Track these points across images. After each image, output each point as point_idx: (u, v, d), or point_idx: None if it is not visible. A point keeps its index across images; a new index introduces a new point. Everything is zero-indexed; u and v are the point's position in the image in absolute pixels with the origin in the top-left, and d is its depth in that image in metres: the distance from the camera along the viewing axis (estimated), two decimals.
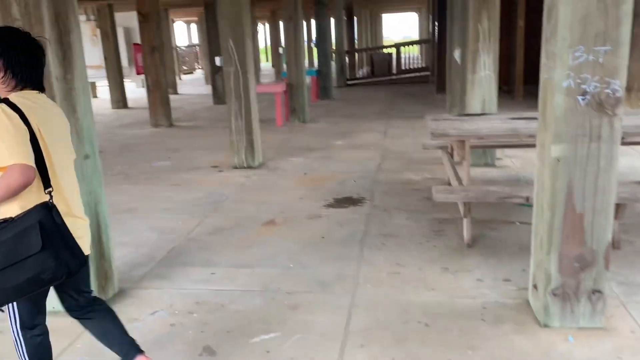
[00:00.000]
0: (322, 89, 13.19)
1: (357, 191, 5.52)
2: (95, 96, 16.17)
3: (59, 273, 1.93)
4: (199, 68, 25.15)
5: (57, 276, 1.94)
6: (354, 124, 9.48)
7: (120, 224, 4.81)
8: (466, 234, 4.04)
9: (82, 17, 14.46)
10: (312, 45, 19.27)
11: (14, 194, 1.87)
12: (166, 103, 10.22)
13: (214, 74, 13.02)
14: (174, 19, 24.98)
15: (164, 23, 17.04)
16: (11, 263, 1.88)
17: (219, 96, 12.64)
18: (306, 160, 7.01)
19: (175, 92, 16.35)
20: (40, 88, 2.07)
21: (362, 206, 5.07)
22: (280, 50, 18.72)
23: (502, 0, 5.98)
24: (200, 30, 22.53)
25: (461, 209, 4.17)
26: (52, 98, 2.88)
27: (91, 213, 3.19)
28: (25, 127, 1.89)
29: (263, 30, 34.44)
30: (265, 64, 29.57)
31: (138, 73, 13.64)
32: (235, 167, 6.64)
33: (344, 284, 3.52)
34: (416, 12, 33.94)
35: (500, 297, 3.25)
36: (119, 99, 13.51)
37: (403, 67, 18.43)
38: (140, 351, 2.37)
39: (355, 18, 20.73)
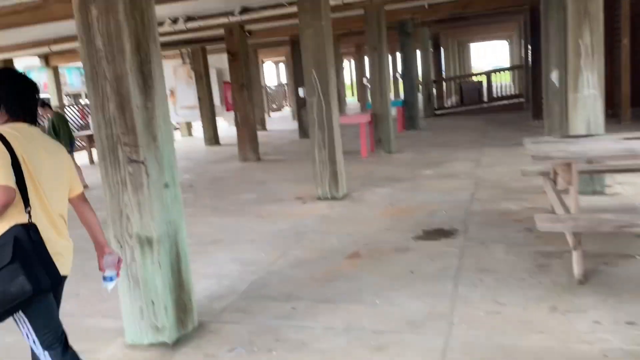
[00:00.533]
0: (409, 119, 12.89)
1: (449, 222, 5.13)
2: (190, 134, 16.98)
3: (27, 287, 1.99)
4: (287, 106, 25.81)
5: (26, 289, 2.00)
6: (443, 153, 9.06)
7: (204, 256, 4.78)
8: (577, 268, 3.54)
9: (179, 61, 15.35)
10: (398, 76, 19.10)
11: (1, 209, 2.04)
12: (254, 138, 10.40)
13: (300, 109, 13.17)
14: (264, 59, 25.96)
15: (253, 63, 17.68)
16: None
17: (304, 130, 12.72)
18: (392, 190, 6.72)
19: (264, 129, 16.76)
20: (32, 121, 2.27)
21: (454, 238, 4.68)
22: (365, 80, 18.72)
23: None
24: (287, 68, 23.19)
25: (570, 240, 3.68)
26: (133, 127, 2.88)
27: (170, 243, 3.12)
28: (7, 152, 2.06)
29: (349, 66, 34.95)
30: (351, 99, 29.79)
31: (228, 110, 14.13)
32: (319, 199, 6.48)
33: (437, 324, 3.16)
34: (506, 40, 32.89)
35: (624, 344, 2.75)
36: (212, 137, 14.03)
37: (494, 95, 17.71)
38: None
39: (442, 48, 20.37)
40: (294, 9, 6.32)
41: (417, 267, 4.08)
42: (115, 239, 3.06)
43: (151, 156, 2.97)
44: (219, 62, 14.50)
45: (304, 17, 6.11)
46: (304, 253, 4.63)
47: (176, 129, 17.03)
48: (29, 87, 2.27)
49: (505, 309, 3.28)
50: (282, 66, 30.49)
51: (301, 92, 9.86)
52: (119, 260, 2.50)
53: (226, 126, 17.19)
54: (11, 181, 2.05)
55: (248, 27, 11.62)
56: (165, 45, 13.76)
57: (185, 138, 16.62)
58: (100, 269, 2.49)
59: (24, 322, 2.14)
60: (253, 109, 10.57)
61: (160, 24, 9.71)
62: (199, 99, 14.02)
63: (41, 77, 15.88)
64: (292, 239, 5.06)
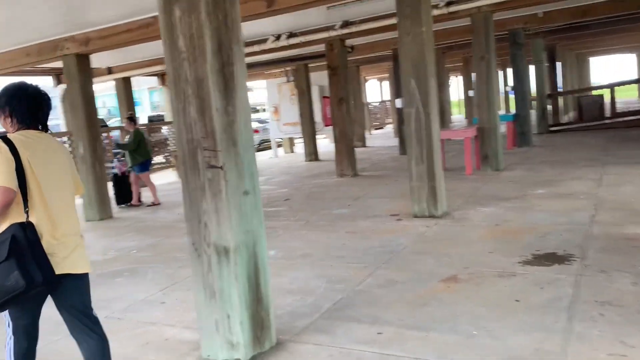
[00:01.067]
0: (520, 135, 12.00)
1: (563, 246, 4.53)
2: (292, 151, 17.24)
3: (21, 282, 2.18)
4: (389, 123, 25.47)
5: (20, 284, 2.19)
6: (558, 172, 8.24)
7: (292, 270, 4.60)
8: None
9: (283, 79, 15.69)
10: (507, 90, 18.01)
11: (2, 209, 2.25)
12: (351, 153, 10.21)
13: (401, 125, 12.79)
14: (367, 77, 25.91)
15: (354, 79, 17.63)
16: None
17: (405, 146, 12.32)
18: (498, 210, 6.15)
19: (364, 145, 16.57)
20: (43, 129, 2.49)
21: (569, 265, 4.09)
22: (471, 93, 17.88)
23: None
24: (390, 85, 22.91)
25: None
26: (212, 131, 2.77)
27: (248, 253, 2.96)
28: (12, 158, 2.27)
29: (455, 83, 33.90)
30: (457, 116, 28.80)
31: (326, 125, 14.12)
32: (416, 216, 6.09)
33: None
34: (634, 51, 30.10)
35: None
36: (312, 152, 14.08)
37: (618, 111, 16.09)
38: None
39: (559, 62, 18.99)
40: (395, 20, 6.05)
41: (524, 296, 3.58)
42: (193, 247, 2.96)
43: (230, 162, 2.84)
44: (320, 79, 14.59)
45: (404, 24, 5.83)
46: (395, 273, 4.29)
47: (279, 145, 17.37)
48: (40, 99, 2.50)
49: (634, 352, 2.71)
50: (385, 84, 30.29)
51: (398, 102, 9.53)
52: None
53: (327, 143, 17.25)
54: (12, 183, 2.27)
55: (350, 42, 11.56)
56: (271, 64, 14.14)
57: (288, 154, 16.88)
58: None
59: (10, 309, 2.37)
60: (351, 124, 10.40)
61: (264, 41, 9.92)
62: (300, 115, 14.16)
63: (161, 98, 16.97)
64: (384, 257, 4.74)
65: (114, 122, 18.09)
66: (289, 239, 5.74)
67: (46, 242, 2.33)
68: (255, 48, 10.05)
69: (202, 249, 2.94)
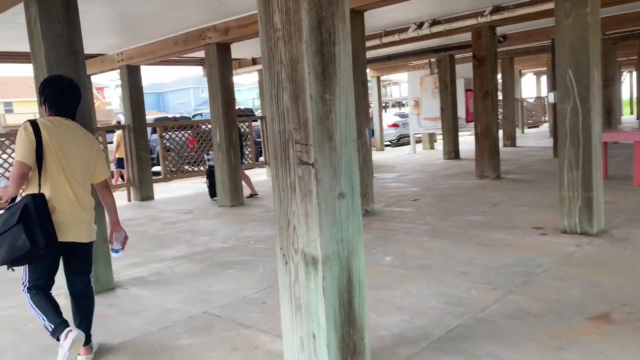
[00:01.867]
0: None
1: None
2: (432, 147, 16.42)
3: (27, 244, 2.61)
4: (546, 121, 23.21)
5: (26, 245, 2.61)
6: None
7: (405, 282, 4.09)
8: None
9: (426, 71, 14.93)
10: None
11: (15, 181, 2.73)
12: (495, 153, 9.24)
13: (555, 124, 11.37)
14: (522, 70, 23.87)
15: (507, 71, 16.20)
16: (5, 229, 2.66)
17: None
18: None
19: (513, 144, 15.17)
20: (68, 116, 2.93)
21: None
22: None
23: None
24: (547, 78, 20.78)
25: None
26: (305, 121, 2.38)
27: (340, 266, 2.53)
28: (33, 138, 2.73)
29: (628, 80, 29.92)
30: (628, 117, 25.37)
31: (468, 121, 13.11)
32: (564, 232, 5.15)
33: None
34: None
35: None
36: (451, 150, 13.20)
37: None
38: (88, 343, 3.00)
39: None
40: (553, 5, 5.14)
41: None
42: (280, 252, 2.61)
43: (324, 158, 2.42)
44: (467, 72, 13.59)
45: (562, 5, 4.91)
46: (529, 301, 3.56)
47: (418, 141, 16.65)
48: (71, 90, 2.93)
49: None
50: (543, 79, 27.71)
51: (551, 97, 8.35)
52: (125, 238, 3.30)
53: (470, 140, 16.13)
54: (28, 159, 2.72)
55: (501, 30, 10.50)
56: (412, 55, 13.48)
57: (426, 151, 16.10)
58: (110, 242, 3.32)
59: (26, 266, 2.84)
60: (496, 121, 9.41)
61: (404, 29, 9.36)
62: (442, 110, 13.33)
63: None
64: (518, 279, 4.00)
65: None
66: (409, 245, 5.20)
67: (56, 213, 2.77)
68: (395, 37, 9.53)
69: (290, 255, 2.57)
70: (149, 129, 10.72)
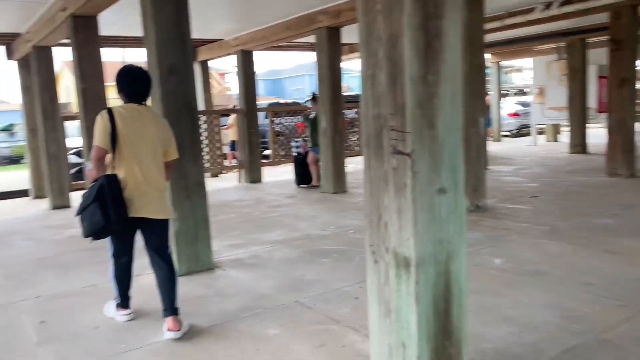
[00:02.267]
0: None
1: None
2: (555, 139, 15.13)
3: (102, 219, 2.95)
4: None
5: (100, 220, 2.96)
6: None
7: (516, 290, 3.67)
8: None
9: (554, 56, 13.69)
10: None
11: (94, 163, 3.04)
12: (629, 148, 8.19)
13: None
14: None
15: None
16: (84, 207, 3.02)
17: None
18: None
19: None
20: (139, 101, 3.21)
21: None
22: None
23: None
24: None
25: None
26: (402, 105, 2.12)
27: (437, 270, 2.24)
28: (108, 124, 3.03)
29: None
30: None
31: (600, 111, 11.81)
32: None
33: None
34: None
35: None
36: (578, 143, 12.01)
37: None
38: (172, 314, 3.19)
39: None
40: None
41: None
42: (370, 249, 2.38)
43: (423, 148, 2.14)
44: (601, 57, 12.25)
45: None
46: None
47: (540, 132, 15.40)
48: (141, 78, 3.21)
49: None
50: None
51: None
52: None
53: (600, 133, 14.61)
54: (104, 143, 3.03)
55: None
56: (538, 38, 12.39)
57: (549, 143, 14.85)
58: None
59: (110, 238, 3.26)
60: (633, 112, 8.32)
61: (530, 10, 8.55)
62: (570, 99, 12.15)
63: None
64: None
65: None
66: (523, 247, 4.71)
67: (129, 192, 3.07)
68: (519, 19, 8.75)
69: (380, 253, 2.33)
70: (261, 114, 10.93)
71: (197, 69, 11.94)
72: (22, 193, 10.25)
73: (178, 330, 3.15)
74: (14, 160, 20.85)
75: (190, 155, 4.42)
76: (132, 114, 3.15)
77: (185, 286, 4.06)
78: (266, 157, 11.80)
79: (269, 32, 9.13)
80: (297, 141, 9.54)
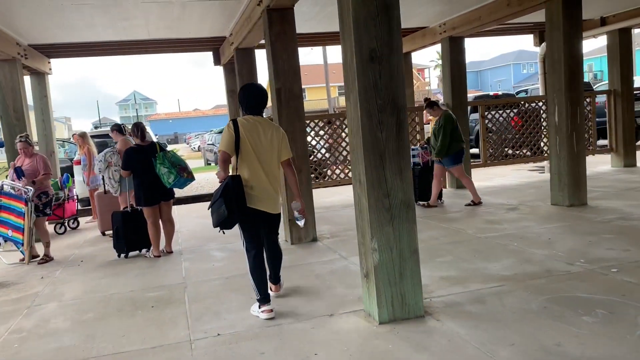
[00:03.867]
0: None
1: None
2: None
3: (225, 212, 3.53)
4: None
5: (225, 213, 3.54)
6: None
7: None
8: None
9: None
10: None
11: (220, 165, 3.70)
12: None
13: None
14: None
15: None
16: (213, 202, 3.64)
17: None
18: None
19: None
20: (256, 113, 3.83)
21: None
22: None
23: None
24: None
25: None
26: None
27: None
28: (234, 134, 3.67)
29: None
30: None
31: None
32: None
33: None
34: None
35: None
36: None
37: None
38: (276, 282, 4.14)
39: None
40: None
41: None
42: None
43: None
44: None
45: None
46: None
47: None
48: (256, 93, 3.83)
49: None
50: None
51: None
52: (302, 206, 3.89)
53: None
54: (229, 149, 3.67)
55: None
56: None
57: None
58: (291, 211, 4.42)
59: (240, 232, 3.80)
60: None
61: None
62: None
63: None
64: None
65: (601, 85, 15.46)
66: None
67: (252, 189, 3.66)
68: None
69: None
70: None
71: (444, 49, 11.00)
72: None
73: (279, 290, 4.17)
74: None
75: (394, 166, 3.37)
76: (252, 124, 3.73)
77: (387, 342, 3.04)
78: (475, 156, 10.34)
79: (485, 11, 7.70)
80: (414, 149, 7.84)
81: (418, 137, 9.55)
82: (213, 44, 9.50)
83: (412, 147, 7.96)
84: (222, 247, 6.12)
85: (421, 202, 7.61)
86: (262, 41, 7.49)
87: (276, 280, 4.12)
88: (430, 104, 7.46)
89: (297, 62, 5.83)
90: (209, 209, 3.67)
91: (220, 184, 3.64)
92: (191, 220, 8.17)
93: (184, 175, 5.84)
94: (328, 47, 28.76)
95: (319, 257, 5.34)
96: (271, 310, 3.67)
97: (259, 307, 3.71)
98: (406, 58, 11.00)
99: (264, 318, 3.65)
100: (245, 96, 3.81)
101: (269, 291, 3.88)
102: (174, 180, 5.70)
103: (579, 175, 6.69)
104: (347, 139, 8.30)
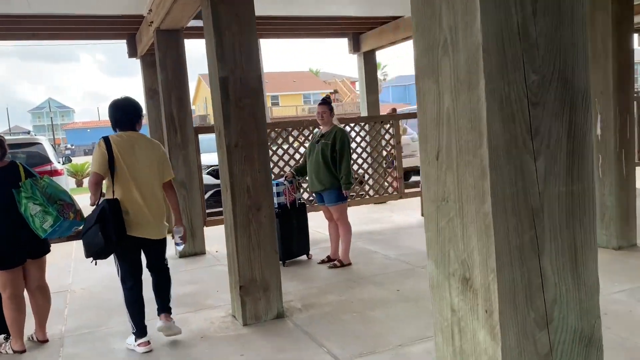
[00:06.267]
0: None
1: None
2: None
3: (101, 240, 3.21)
4: None
5: (101, 242, 3.22)
6: None
7: None
8: None
9: None
10: None
11: (91, 188, 3.38)
12: None
13: None
14: None
15: None
16: (87, 229, 3.32)
17: None
18: None
19: None
20: (132, 129, 3.47)
21: None
22: None
23: None
24: None
25: None
26: None
27: None
28: (105, 151, 3.31)
29: None
30: None
31: None
32: None
33: None
34: None
35: None
36: None
37: None
38: (164, 312, 3.60)
39: None
40: None
41: None
42: None
43: None
44: None
45: None
46: None
47: None
48: (130, 108, 3.48)
49: None
50: None
51: None
52: (184, 232, 3.69)
53: None
54: (100, 170, 3.31)
55: None
56: None
57: None
58: (172, 237, 3.75)
59: (116, 260, 3.47)
60: None
61: None
62: None
63: None
64: None
65: None
66: None
67: (125, 214, 3.31)
68: None
69: None
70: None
71: (360, 62, 9.16)
72: None
73: (169, 320, 3.59)
74: None
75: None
76: (126, 141, 3.39)
77: None
78: None
79: None
80: (279, 183, 5.29)
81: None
82: (127, 29, 7.16)
83: (276, 180, 5.41)
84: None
85: (288, 260, 5.36)
86: (197, 22, 5.32)
87: (166, 309, 3.64)
88: (329, 102, 5.07)
89: (254, 38, 3.72)
90: (80, 238, 3.37)
91: (93, 208, 3.34)
92: (89, 268, 5.74)
93: (69, 216, 3.53)
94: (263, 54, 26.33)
95: (292, 355, 3.23)
96: (148, 343, 3.46)
97: (135, 341, 3.47)
98: (370, 59, 9.17)
99: (141, 352, 3.43)
100: (113, 110, 3.47)
101: (160, 321, 3.58)
102: (52, 225, 3.41)
103: (628, 207, 5.01)
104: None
